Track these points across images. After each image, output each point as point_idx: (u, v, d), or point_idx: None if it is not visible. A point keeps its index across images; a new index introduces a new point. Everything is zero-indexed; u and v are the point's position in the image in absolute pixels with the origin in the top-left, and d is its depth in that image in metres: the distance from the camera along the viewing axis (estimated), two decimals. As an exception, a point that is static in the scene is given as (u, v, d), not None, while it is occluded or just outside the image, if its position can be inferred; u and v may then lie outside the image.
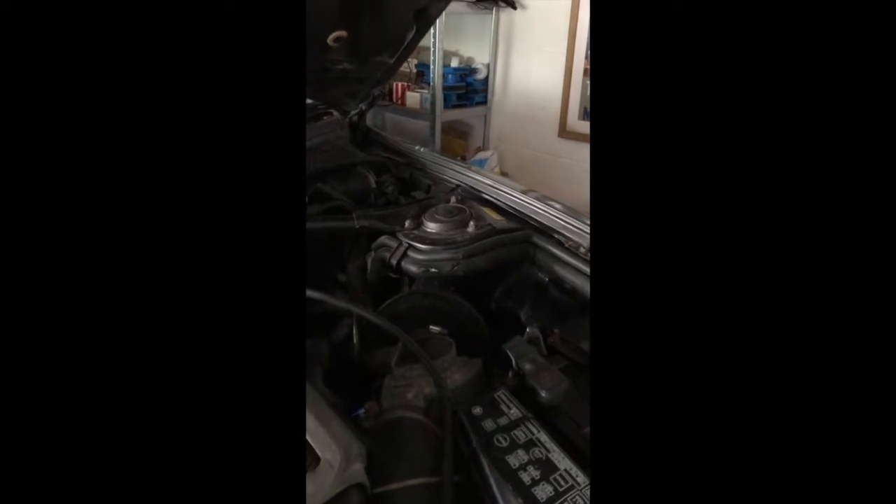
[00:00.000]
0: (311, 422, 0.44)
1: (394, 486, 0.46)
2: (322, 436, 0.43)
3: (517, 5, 2.66)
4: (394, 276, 0.86)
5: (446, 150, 2.87)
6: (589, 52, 2.46)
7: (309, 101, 1.22)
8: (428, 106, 2.64)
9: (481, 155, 2.87)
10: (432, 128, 2.64)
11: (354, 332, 0.72)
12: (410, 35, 1.02)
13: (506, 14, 2.72)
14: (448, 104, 2.70)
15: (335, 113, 1.23)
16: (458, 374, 0.64)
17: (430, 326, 0.73)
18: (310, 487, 0.40)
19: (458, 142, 3.11)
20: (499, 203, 0.98)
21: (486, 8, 2.66)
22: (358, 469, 0.43)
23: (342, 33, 0.90)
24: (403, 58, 1.09)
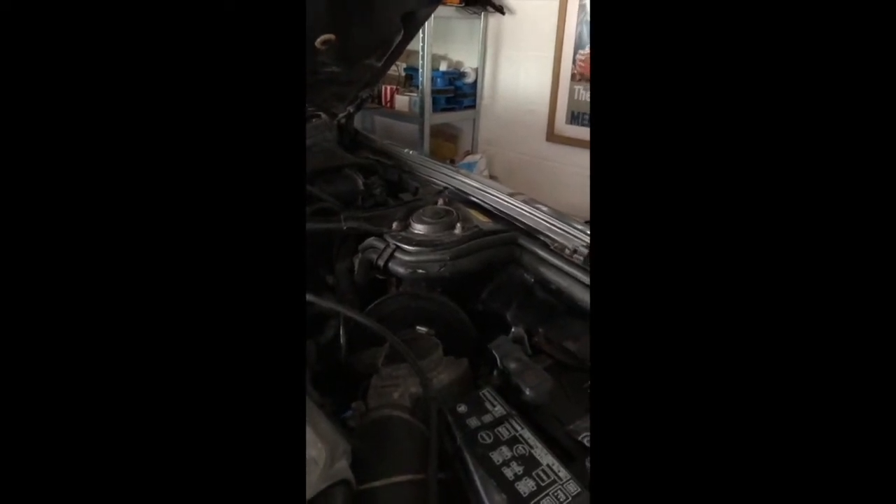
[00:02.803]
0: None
1: (379, 482, 0.47)
2: (308, 434, 0.43)
3: (505, 10, 2.68)
4: (381, 277, 0.86)
5: (435, 154, 2.88)
6: (576, 57, 2.49)
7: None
8: (417, 109, 2.66)
9: (470, 158, 2.88)
10: (421, 131, 2.65)
11: (342, 333, 0.73)
12: (398, 38, 1.03)
13: (494, 19, 2.75)
14: (437, 108, 2.72)
15: (323, 115, 1.23)
16: (444, 373, 0.65)
17: (417, 327, 0.73)
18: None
19: (447, 145, 3.12)
20: (486, 205, 0.99)
21: (474, 12, 2.68)
22: (343, 466, 0.43)
23: (330, 37, 0.90)
24: (391, 61, 1.10)
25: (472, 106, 2.93)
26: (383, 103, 2.88)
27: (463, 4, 2.60)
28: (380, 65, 1.08)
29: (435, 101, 2.69)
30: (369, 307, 0.78)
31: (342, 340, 0.72)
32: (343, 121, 1.24)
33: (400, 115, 2.81)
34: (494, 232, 0.87)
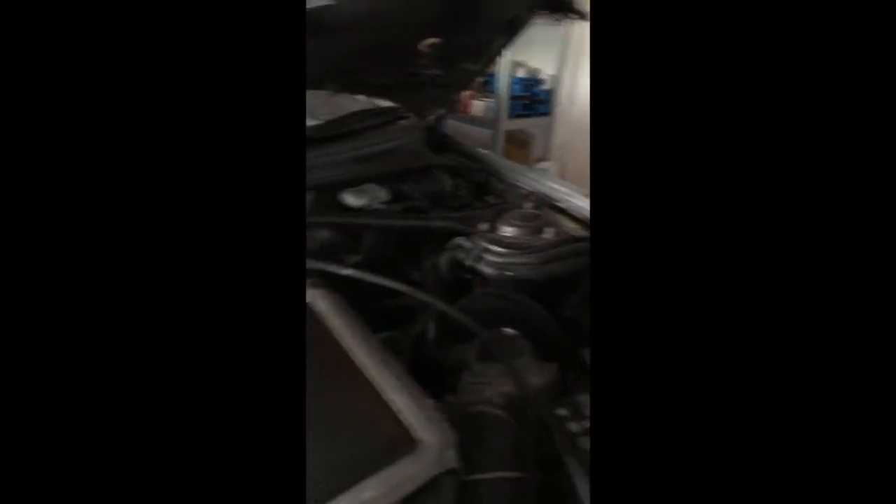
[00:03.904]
0: (407, 403, 0.46)
1: (479, 476, 0.48)
2: (421, 419, 0.45)
3: (588, 18, 2.64)
4: (468, 276, 0.87)
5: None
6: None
7: (390, 104, 1.27)
8: (492, 114, 2.67)
9: (542, 165, 2.86)
10: (494, 136, 2.66)
11: (433, 327, 0.74)
12: (499, 42, 1.04)
13: (578, 26, 2.71)
14: (512, 113, 2.72)
15: (412, 116, 1.26)
16: (535, 376, 0.65)
17: (505, 329, 0.74)
18: (409, 469, 0.42)
19: (518, 151, 3.11)
20: (573, 212, 0.98)
21: (555, 19, 2.66)
22: (452, 455, 0.44)
23: (436, 40, 0.93)
24: (488, 64, 1.11)
25: (548, 113, 2.90)
26: (458, 108, 2.91)
27: (543, 11, 2.58)
28: (477, 68, 1.10)
29: (511, 107, 2.69)
30: (457, 304, 0.79)
31: (433, 334, 0.74)
32: (433, 122, 1.27)
33: (471, 120, 2.84)
34: (585, 239, 0.86)
